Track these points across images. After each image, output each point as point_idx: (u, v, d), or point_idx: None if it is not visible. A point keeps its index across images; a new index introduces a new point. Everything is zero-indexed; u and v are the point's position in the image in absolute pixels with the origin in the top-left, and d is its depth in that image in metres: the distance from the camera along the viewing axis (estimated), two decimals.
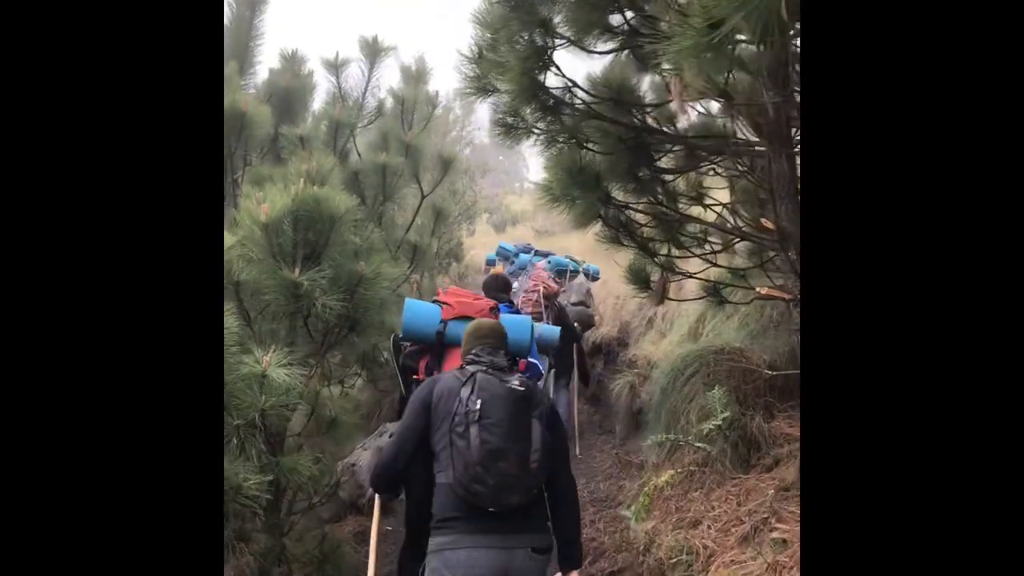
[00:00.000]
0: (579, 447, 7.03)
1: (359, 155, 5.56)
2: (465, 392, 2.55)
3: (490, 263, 9.11)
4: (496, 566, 2.42)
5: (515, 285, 7.84)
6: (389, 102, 5.61)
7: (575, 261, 8.67)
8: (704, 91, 2.25)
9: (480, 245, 21.08)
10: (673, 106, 2.27)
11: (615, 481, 5.95)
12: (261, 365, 3.15)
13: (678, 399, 4.50)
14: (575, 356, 6.96)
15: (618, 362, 7.88)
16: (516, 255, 8.98)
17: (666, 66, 2.14)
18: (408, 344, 3.56)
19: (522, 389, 2.56)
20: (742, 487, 3.42)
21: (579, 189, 3.79)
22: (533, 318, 6.32)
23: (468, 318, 3.35)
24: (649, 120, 3.62)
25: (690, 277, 4.31)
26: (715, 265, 4.35)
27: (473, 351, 2.81)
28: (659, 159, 3.76)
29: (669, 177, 4.05)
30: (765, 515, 3.04)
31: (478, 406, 2.48)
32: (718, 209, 4.32)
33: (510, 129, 3.62)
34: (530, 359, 4.77)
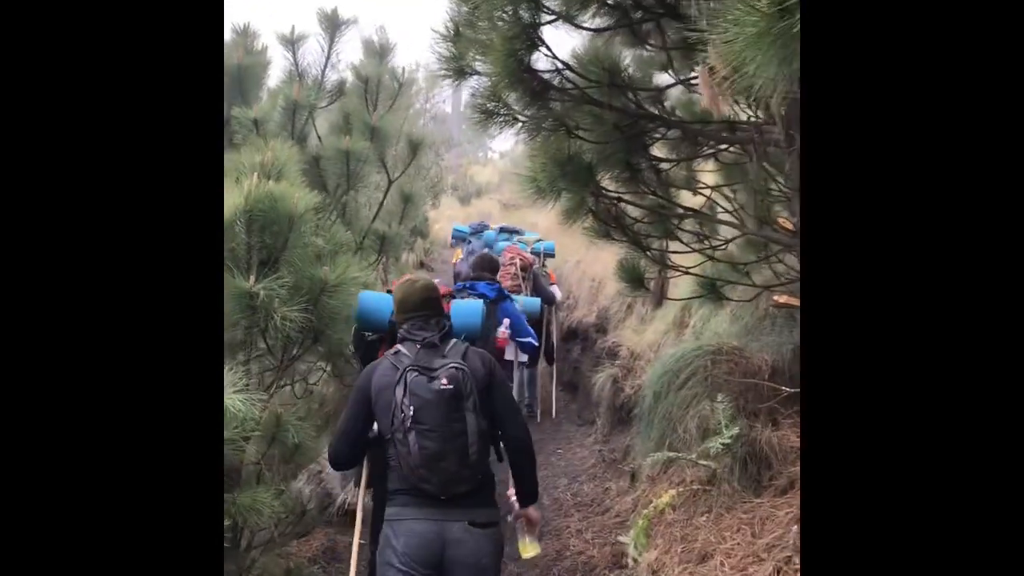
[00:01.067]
0: (539, 415, 7.24)
1: (319, 139, 5.08)
2: (399, 393, 2.63)
3: (457, 235, 8.85)
4: (433, 536, 2.63)
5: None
6: (351, 79, 5.12)
7: (523, 242, 8.34)
8: (739, 86, 1.86)
9: (445, 219, 20.57)
10: (704, 102, 1.90)
11: (600, 483, 5.62)
12: None
13: (673, 405, 4.15)
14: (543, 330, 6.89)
15: (596, 349, 7.53)
16: (473, 235, 8.73)
17: (712, 57, 1.76)
18: (368, 334, 3.74)
19: (450, 387, 2.65)
20: (755, 514, 3.08)
21: (568, 181, 3.39)
22: (511, 290, 6.12)
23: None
24: (647, 105, 3.22)
25: (687, 273, 3.94)
26: (714, 260, 3.99)
27: (404, 327, 2.89)
28: (652, 145, 3.36)
29: (665, 166, 3.66)
30: (788, 553, 2.71)
31: (411, 412, 2.60)
32: (720, 201, 3.95)
33: (490, 116, 3.20)
34: (526, 339, 5.19)
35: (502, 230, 8.90)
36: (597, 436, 6.52)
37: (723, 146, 3.46)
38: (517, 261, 7.04)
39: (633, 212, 3.88)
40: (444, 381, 2.66)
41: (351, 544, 5.10)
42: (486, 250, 7.04)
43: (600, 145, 3.27)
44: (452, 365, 2.70)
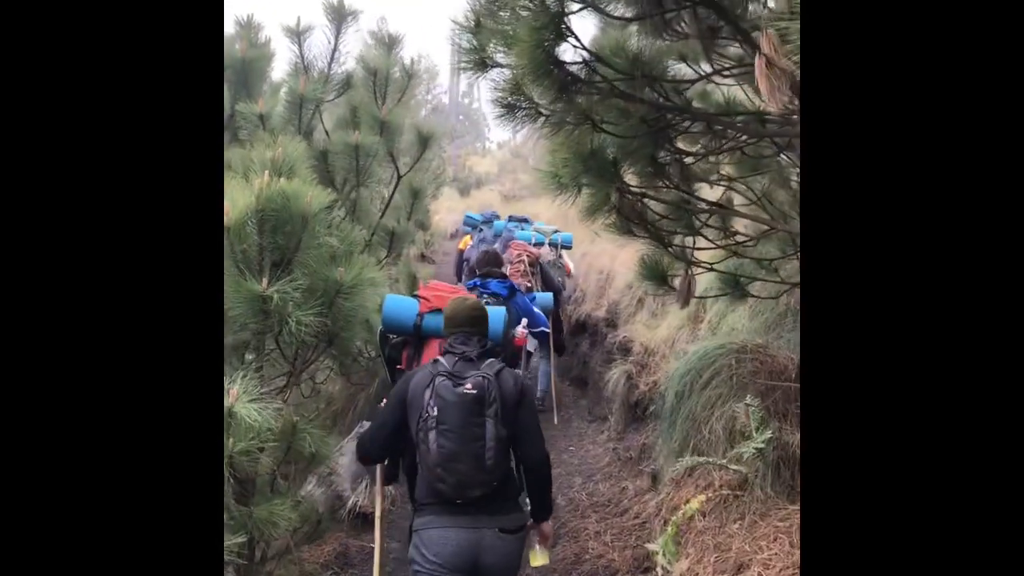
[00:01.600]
0: (556, 417, 7.01)
1: (327, 133, 4.94)
2: (427, 395, 2.76)
3: (469, 223, 8.85)
4: (466, 545, 2.73)
5: (497, 246, 7.70)
6: (359, 72, 4.97)
7: (540, 232, 8.31)
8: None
9: (445, 210, 20.42)
10: (763, 92, 1.77)
11: (616, 483, 5.51)
12: (228, 399, 2.61)
13: (696, 405, 4.03)
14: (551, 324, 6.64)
15: (606, 344, 7.41)
16: (485, 223, 8.73)
17: (766, 45, 1.64)
18: (393, 336, 3.83)
19: (474, 392, 2.74)
20: (792, 522, 2.96)
21: (592, 176, 3.26)
22: (524, 288, 6.07)
23: (442, 311, 3.47)
24: (673, 97, 3.08)
25: (711, 269, 3.81)
26: (738, 256, 3.86)
27: (449, 341, 3.01)
28: (677, 138, 3.22)
29: (689, 160, 3.52)
30: None
31: (435, 412, 2.72)
32: (744, 196, 3.82)
33: (512, 110, 3.06)
34: (538, 329, 5.31)
35: (511, 219, 8.86)
36: (610, 433, 6.41)
37: (747, 138, 3.33)
38: (525, 257, 6.96)
39: (655, 208, 3.75)
40: (469, 386, 2.76)
41: (364, 548, 5.03)
42: (495, 246, 7.05)
43: (624, 140, 3.13)
44: (479, 374, 2.80)
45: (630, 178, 3.50)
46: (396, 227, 5.06)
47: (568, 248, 8.31)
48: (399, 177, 5.07)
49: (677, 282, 3.73)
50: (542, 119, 3.06)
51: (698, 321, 5.92)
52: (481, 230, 8.55)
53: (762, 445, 3.16)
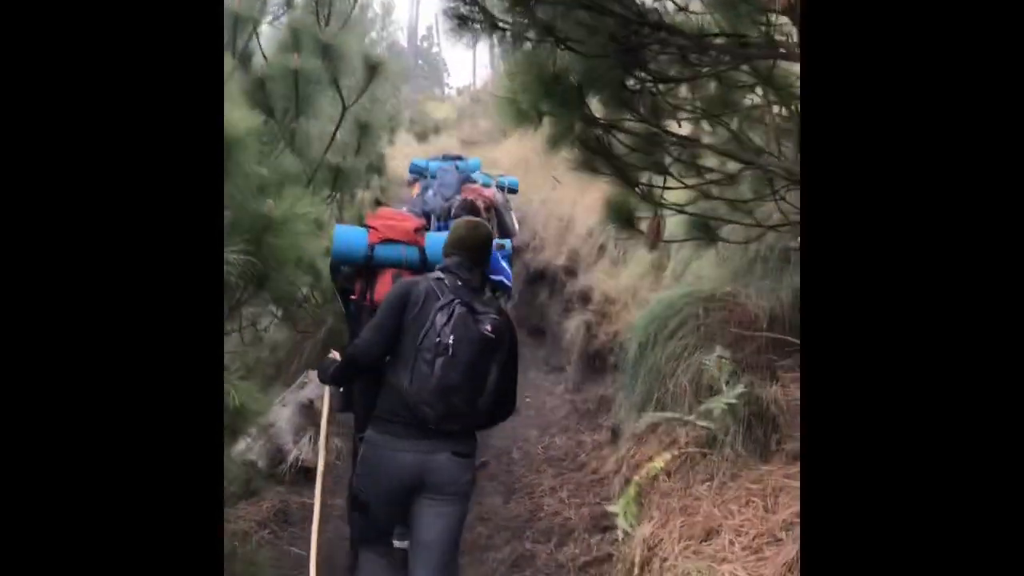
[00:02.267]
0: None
1: (264, 57, 4.51)
2: (441, 318, 2.68)
3: (414, 172, 8.40)
4: (415, 466, 2.69)
5: (430, 192, 7.71)
6: None
7: (487, 174, 7.84)
8: None
9: (401, 156, 19.71)
10: None
11: (573, 436, 5.27)
12: None
13: (661, 357, 3.77)
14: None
15: (565, 293, 7.12)
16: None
17: None
18: (345, 267, 3.75)
19: (493, 336, 2.71)
20: (766, 484, 2.72)
21: (553, 103, 2.93)
22: None
23: (393, 241, 3.63)
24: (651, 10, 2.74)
25: (681, 212, 3.52)
26: (709, 197, 3.57)
27: (452, 258, 2.90)
28: (651, 61, 2.88)
29: (663, 87, 3.20)
30: None
31: (451, 341, 2.64)
32: (712, 135, 3.51)
33: (465, 21, 2.70)
34: (499, 277, 4.80)
35: (445, 158, 8.45)
36: (568, 385, 6.16)
37: (727, 61, 3.00)
38: (480, 202, 6.48)
39: (622, 142, 3.43)
40: (489, 328, 2.72)
41: (305, 505, 4.73)
42: (415, 187, 6.68)
43: (591, 61, 2.79)
44: (496, 317, 2.77)
45: (596, 108, 3.17)
46: (342, 164, 4.66)
47: (514, 192, 7.98)
48: (344, 108, 4.66)
49: (644, 225, 3.43)
50: (498, 33, 2.70)
51: (662, 269, 5.64)
52: (427, 177, 8.20)
53: (734, 400, 2.90)
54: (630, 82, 3.09)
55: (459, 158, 8.43)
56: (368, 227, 3.81)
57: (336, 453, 5.41)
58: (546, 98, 2.92)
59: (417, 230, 3.77)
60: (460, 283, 2.81)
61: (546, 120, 3.18)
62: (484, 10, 2.65)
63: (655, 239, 3.13)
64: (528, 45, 2.97)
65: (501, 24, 2.68)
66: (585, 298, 6.39)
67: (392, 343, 2.80)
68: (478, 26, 2.68)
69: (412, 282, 2.88)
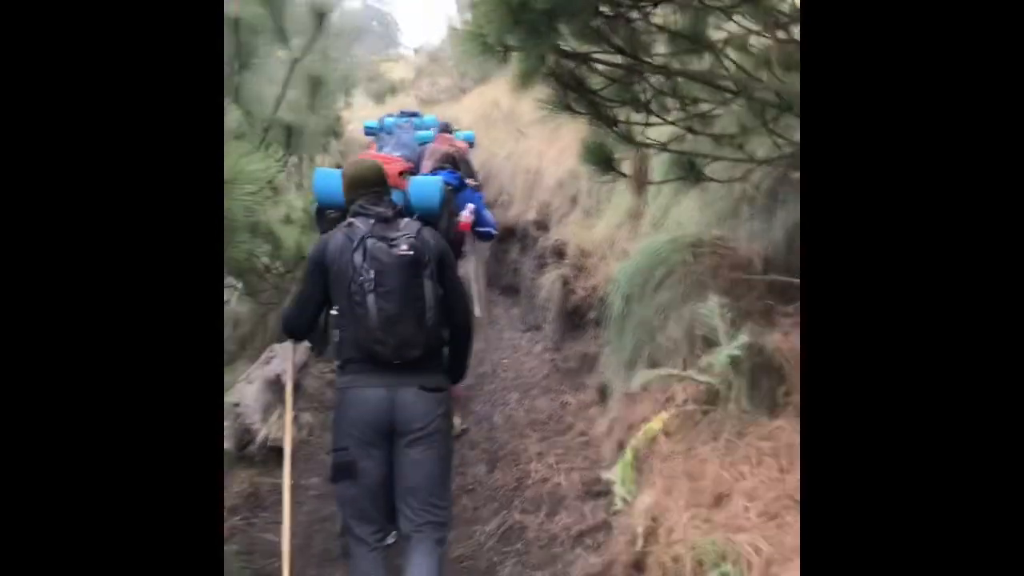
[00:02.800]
0: (479, 309, 5.86)
1: None
2: (358, 258, 2.71)
3: (369, 132, 8.31)
4: (384, 402, 2.74)
5: (386, 150, 7.65)
6: None
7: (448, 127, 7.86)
8: None
9: (358, 119, 19.14)
10: None
11: (556, 397, 5.04)
12: None
13: (649, 310, 3.52)
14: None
15: (537, 248, 6.84)
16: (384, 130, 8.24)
17: None
18: (330, 211, 3.63)
19: (411, 253, 2.74)
20: (777, 441, 2.49)
21: (521, 33, 2.62)
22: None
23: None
24: None
25: (664, 150, 3.24)
26: (693, 132, 3.29)
27: (357, 202, 2.94)
28: None
29: (636, 15, 2.90)
30: None
31: (372, 275, 2.68)
32: (697, 59, 3.21)
33: None
34: (485, 228, 5.11)
35: (402, 114, 8.33)
36: (547, 344, 5.92)
37: None
38: (455, 153, 6.47)
39: (598, 76, 3.13)
40: (405, 247, 2.75)
41: (277, 486, 4.46)
42: (371, 147, 6.71)
43: None
44: (411, 235, 2.80)
45: (568, 40, 2.87)
46: (294, 121, 4.31)
47: (471, 145, 7.77)
48: (293, 62, 4.30)
49: (626, 166, 3.15)
50: None
51: (639, 217, 5.38)
52: (382, 137, 7.90)
53: (737, 352, 2.66)
54: (604, 7, 2.79)
55: (415, 114, 8.32)
56: None
57: (308, 429, 5.15)
58: (514, 28, 2.60)
59: (401, 173, 3.74)
60: (372, 219, 2.83)
61: (514, 57, 2.87)
62: None
63: (641, 181, 2.85)
64: None
65: None
66: (559, 252, 6.12)
67: (316, 307, 2.89)
68: None
69: (324, 239, 2.89)
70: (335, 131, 11.97)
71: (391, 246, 2.74)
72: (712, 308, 2.98)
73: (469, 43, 2.81)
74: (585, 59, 2.83)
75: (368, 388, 2.75)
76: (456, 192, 5.01)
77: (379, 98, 20.74)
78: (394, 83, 22.17)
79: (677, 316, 3.36)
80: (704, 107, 3.23)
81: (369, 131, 8.54)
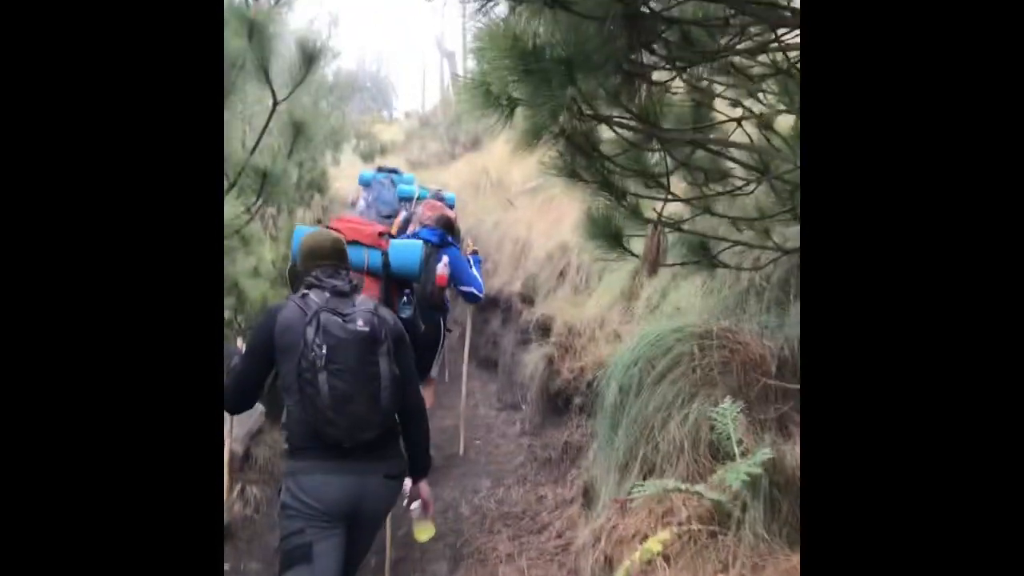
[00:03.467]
0: (463, 441, 5.56)
1: None
2: (310, 333, 2.56)
3: (363, 183, 8.48)
4: (350, 490, 2.59)
5: (362, 204, 8.04)
6: None
7: (424, 187, 7.99)
8: None
9: (346, 177, 18.90)
10: None
11: (532, 488, 4.59)
12: None
13: (648, 404, 3.13)
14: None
15: (521, 322, 6.45)
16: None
17: None
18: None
19: (367, 330, 2.63)
20: None
21: (533, 83, 2.29)
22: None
23: (357, 243, 3.57)
24: None
25: (678, 230, 2.90)
26: (713, 213, 2.96)
27: (313, 272, 2.82)
28: (665, 31, 2.26)
29: (666, 71, 2.59)
30: None
31: (324, 351, 2.53)
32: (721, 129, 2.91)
33: None
34: (469, 288, 5.05)
35: (379, 170, 8.56)
36: (525, 426, 5.49)
37: (756, 32, 2.40)
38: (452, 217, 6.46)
39: (609, 143, 2.81)
40: (360, 323, 2.63)
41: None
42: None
43: (587, 30, 2.16)
44: (367, 310, 2.70)
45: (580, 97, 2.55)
46: (270, 168, 3.94)
47: (451, 207, 7.64)
48: (275, 102, 3.95)
49: (639, 244, 2.80)
50: None
51: (633, 298, 5.03)
52: (371, 186, 8.26)
53: (758, 469, 2.26)
54: (626, 65, 2.48)
55: (394, 171, 8.58)
56: (331, 229, 3.71)
57: (255, 504, 4.66)
58: (524, 78, 2.27)
59: (381, 235, 3.69)
60: (327, 293, 2.72)
61: (519, 113, 2.55)
62: None
63: (654, 262, 2.50)
64: (499, 10, 2.34)
65: None
66: (544, 328, 5.74)
67: (255, 384, 2.76)
68: None
69: (275, 308, 2.77)
70: (319, 186, 11.67)
71: (346, 321, 2.60)
72: (725, 412, 2.61)
73: (471, 94, 2.48)
74: (603, 120, 2.50)
75: (330, 475, 2.59)
76: (437, 249, 4.99)
77: (368, 157, 20.60)
78: (384, 144, 22.10)
79: (680, 416, 2.97)
80: (721, 185, 2.90)
81: (362, 182, 8.55)
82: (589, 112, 2.42)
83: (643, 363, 3.25)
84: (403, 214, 7.25)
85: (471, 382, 6.92)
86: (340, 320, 2.60)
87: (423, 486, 2.99)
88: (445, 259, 4.93)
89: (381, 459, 2.68)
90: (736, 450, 2.50)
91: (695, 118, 2.83)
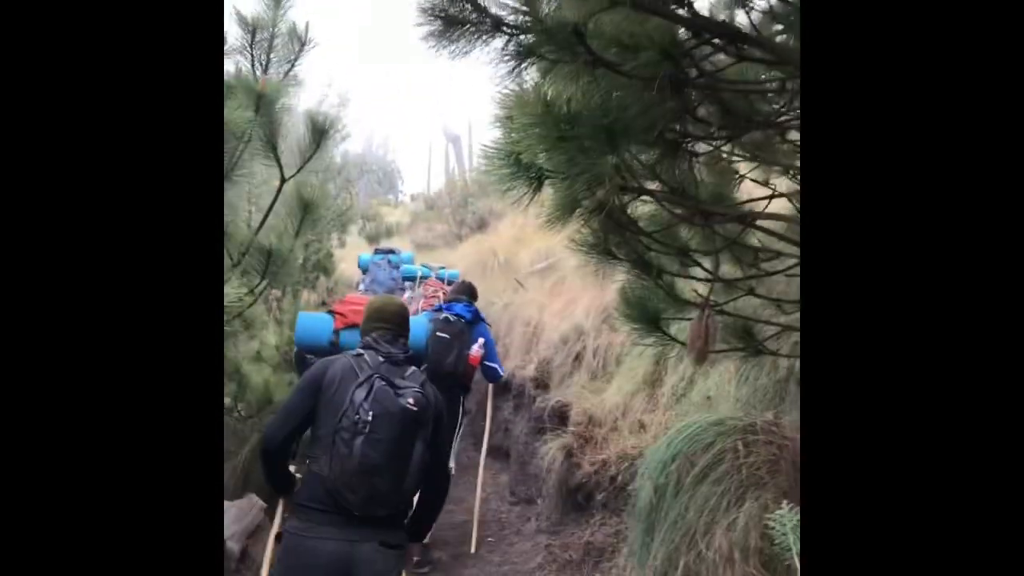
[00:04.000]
0: (475, 538, 5.18)
1: None
2: (359, 395, 2.56)
3: (362, 268, 8.90)
4: (342, 556, 2.50)
5: (361, 287, 8.35)
6: (234, 31, 3.69)
7: (427, 266, 8.56)
8: None
9: (351, 258, 18.86)
10: None
11: None
12: None
13: (691, 509, 2.82)
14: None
15: (535, 409, 6.13)
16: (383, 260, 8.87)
17: None
18: (310, 356, 3.66)
19: (415, 409, 2.60)
20: None
21: (567, 151, 2.07)
22: None
23: (359, 326, 3.45)
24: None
25: (722, 312, 2.64)
26: (756, 295, 2.72)
27: (372, 334, 2.82)
28: (721, 91, 2.05)
29: (706, 146, 2.38)
30: None
31: (369, 418, 2.52)
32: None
33: (452, 26, 1.85)
34: (493, 364, 5.22)
35: (377, 251, 8.99)
36: (541, 523, 5.12)
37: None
38: (440, 294, 6.81)
39: (643, 215, 2.58)
40: (411, 401, 2.60)
41: None
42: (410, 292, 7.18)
43: (635, 94, 1.95)
44: (418, 391, 2.65)
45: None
46: (275, 246, 3.72)
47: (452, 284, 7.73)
48: (283, 179, 3.76)
49: (675, 327, 2.55)
50: (501, 41, 1.85)
51: (656, 385, 4.74)
52: (369, 270, 8.52)
53: None
54: (670, 134, 2.27)
55: (391, 251, 8.99)
56: (333, 313, 3.92)
57: None
58: (557, 146, 2.05)
59: None
60: (381, 358, 2.71)
61: (550, 181, 2.33)
62: (479, 6, 1.79)
63: (703, 349, 2.23)
64: (532, 74, 2.14)
65: (507, 27, 1.83)
66: (561, 416, 5.43)
67: (300, 425, 2.69)
68: (472, 29, 1.82)
69: (328, 361, 2.74)
70: (325, 267, 11.50)
71: (397, 395, 2.59)
72: (784, 519, 2.30)
73: (497, 168, 2.27)
74: (646, 193, 2.27)
75: (325, 540, 2.51)
76: (470, 326, 5.08)
77: (374, 239, 20.60)
78: (389, 226, 22.17)
79: (727, 521, 2.66)
80: (770, 265, 2.66)
81: (361, 267, 8.94)
82: (633, 184, 2.19)
83: (681, 460, 2.96)
84: (407, 294, 7.23)
85: (483, 472, 6.58)
86: (392, 392, 2.59)
87: (412, 547, 3.13)
88: (481, 340, 5.01)
89: (381, 528, 2.59)
90: (797, 563, 2.19)
91: (736, 193, 2.61)
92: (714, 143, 2.31)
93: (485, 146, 2.21)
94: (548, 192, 2.36)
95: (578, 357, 6.08)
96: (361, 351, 2.75)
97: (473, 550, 5.08)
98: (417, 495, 2.79)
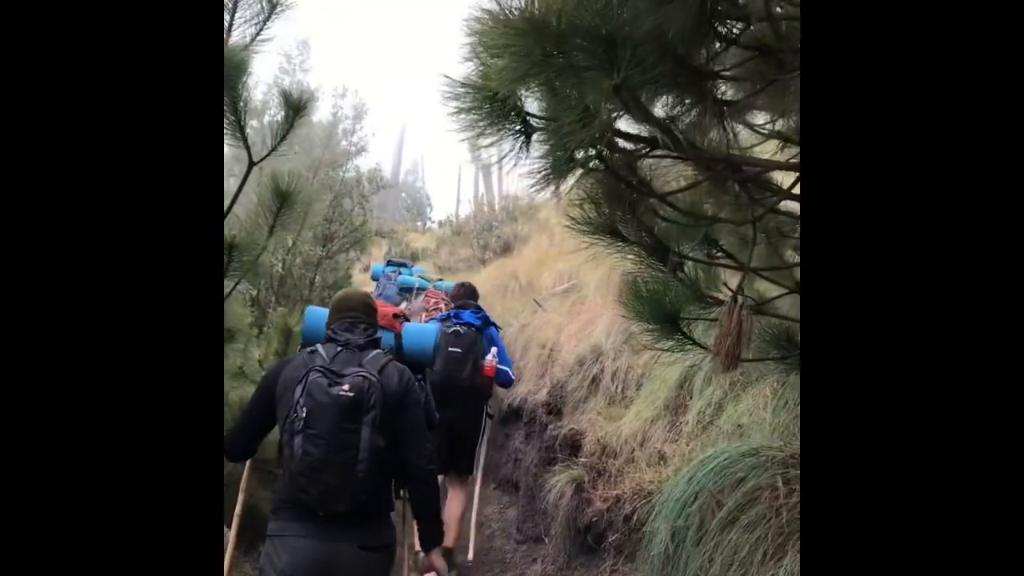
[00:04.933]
0: (471, 552, 4.99)
1: None
2: (297, 392, 2.50)
3: (374, 278, 8.97)
4: (319, 558, 2.47)
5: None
6: None
7: (425, 278, 8.48)
8: None
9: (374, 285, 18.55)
10: None
11: None
12: None
13: (717, 560, 2.24)
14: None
15: (546, 438, 5.54)
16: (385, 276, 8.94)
17: None
18: None
19: (350, 395, 2.49)
20: None
21: (550, 83, 1.55)
22: None
23: None
24: None
25: (759, 312, 2.08)
26: (794, 291, 2.15)
27: (332, 326, 2.81)
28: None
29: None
30: None
31: (303, 414, 2.46)
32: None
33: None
34: (504, 367, 5.17)
35: (389, 263, 9.03)
36: (547, 566, 4.51)
37: None
38: (441, 305, 6.63)
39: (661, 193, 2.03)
40: (346, 387, 2.50)
41: None
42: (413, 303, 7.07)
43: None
44: (360, 373, 2.54)
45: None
46: (238, 238, 3.19)
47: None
48: (251, 163, 3.24)
49: (708, 330, 1.99)
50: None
51: (680, 412, 4.16)
52: (379, 281, 8.57)
53: None
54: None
55: (403, 264, 9.10)
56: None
57: None
58: (541, 69, 1.53)
59: (396, 316, 3.64)
60: (339, 348, 2.65)
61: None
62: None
63: (731, 354, 1.67)
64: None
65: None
66: (573, 446, 4.85)
67: (260, 429, 2.72)
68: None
69: (284, 361, 2.76)
70: (339, 286, 11.09)
71: (331, 384, 2.48)
72: None
73: (468, 104, 1.75)
74: (656, 146, 1.72)
75: (300, 539, 2.48)
76: (480, 333, 5.03)
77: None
78: (415, 251, 21.92)
79: (762, 571, 2.08)
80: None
81: (373, 278, 9.16)
82: (643, 129, 1.65)
83: (704, 498, 2.38)
84: (405, 305, 6.98)
85: (487, 507, 6.00)
86: (325, 382, 2.48)
87: (435, 559, 2.79)
88: (494, 350, 4.96)
89: (358, 528, 2.52)
90: None
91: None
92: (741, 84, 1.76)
93: (449, 80, 1.69)
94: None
95: (595, 380, 5.50)
96: (317, 346, 2.68)
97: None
98: (409, 501, 2.80)
